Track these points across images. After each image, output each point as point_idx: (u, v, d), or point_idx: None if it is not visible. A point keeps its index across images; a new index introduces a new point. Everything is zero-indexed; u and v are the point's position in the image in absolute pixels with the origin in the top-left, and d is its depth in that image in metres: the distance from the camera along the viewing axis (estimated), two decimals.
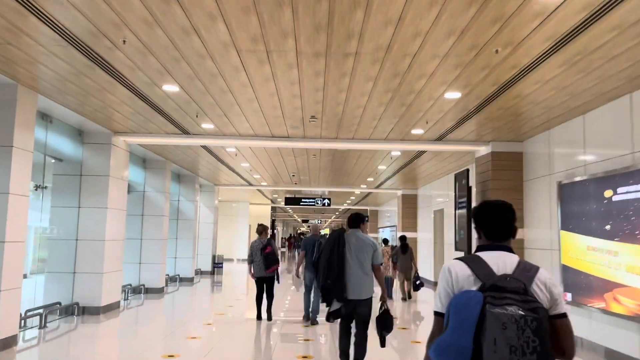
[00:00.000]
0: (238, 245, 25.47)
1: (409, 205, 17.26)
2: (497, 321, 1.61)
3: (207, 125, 8.13)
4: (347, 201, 24.85)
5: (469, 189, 8.78)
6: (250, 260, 7.83)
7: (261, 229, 7.92)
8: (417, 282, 10.43)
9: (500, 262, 1.85)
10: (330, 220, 54.32)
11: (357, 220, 4.97)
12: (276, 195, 22.59)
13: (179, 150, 10.76)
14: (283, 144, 8.97)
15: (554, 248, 7.15)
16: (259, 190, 19.61)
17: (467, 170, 9.11)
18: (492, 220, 1.93)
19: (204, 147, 10.26)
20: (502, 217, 1.93)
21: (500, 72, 5.17)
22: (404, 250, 10.83)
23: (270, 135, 8.75)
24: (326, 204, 20.90)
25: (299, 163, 12.35)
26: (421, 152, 10.35)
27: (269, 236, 8.02)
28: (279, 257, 8.01)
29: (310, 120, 7.52)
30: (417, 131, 8.15)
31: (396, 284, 13.20)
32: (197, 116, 7.42)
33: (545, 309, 1.73)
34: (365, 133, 8.37)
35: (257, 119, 7.49)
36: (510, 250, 1.91)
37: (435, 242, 14.71)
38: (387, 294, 5.01)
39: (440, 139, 8.66)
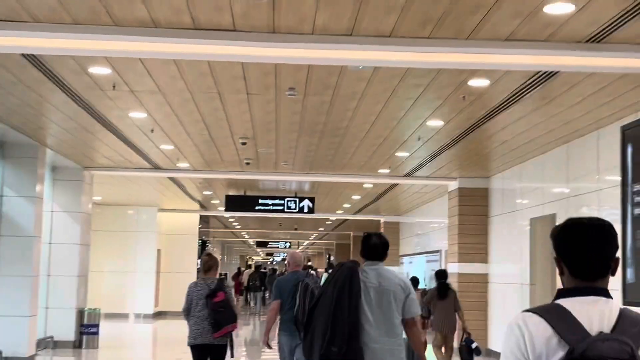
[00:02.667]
0: (136, 288, 24.00)
1: (473, 210, 15.51)
2: None
3: None
4: (346, 204, 22.52)
5: None
6: (188, 315, 8.01)
7: (210, 263, 8.24)
8: (474, 346, 10.72)
9: (595, 314, 2.08)
10: (304, 244, 52.93)
11: (382, 247, 5.36)
12: (209, 193, 20.04)
13: None
14: (221, 49, 6.79)
15: None
16: (172, 180, 16.98)
17: None
18: (583, 249, 2.17)
19: (33, 60, 7.62)
20: (599, 245, 2.18)
21: None
22: (443, 294, 11.18)
23: (191, 25, 6.38)
24: (306, 210, 18.51)
25: (257, 112, 9.93)
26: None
27: (217, 275, 8.41)
28: (236, 311, 8.19)
29: None
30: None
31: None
32: None
33: None
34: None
35: None
36: (607, 294, 2.17)
37: (533, 284, 12.92)
38: None
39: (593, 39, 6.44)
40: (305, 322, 5.60)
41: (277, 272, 36.65)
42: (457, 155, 12.69)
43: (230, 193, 19.21)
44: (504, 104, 9.02)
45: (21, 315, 12.23)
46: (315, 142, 11.87)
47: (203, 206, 24.57)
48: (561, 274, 2.22)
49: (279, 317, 8.02)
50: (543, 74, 7.76)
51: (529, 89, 8.31)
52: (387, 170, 14.70)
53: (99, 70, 7.96)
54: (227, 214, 26.53)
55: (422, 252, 21.75)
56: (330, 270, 7.32)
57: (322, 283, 6.96)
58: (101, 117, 10.25)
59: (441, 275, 11.46)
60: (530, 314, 2.11)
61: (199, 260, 26.37)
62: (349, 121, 10.23)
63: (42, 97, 9.28)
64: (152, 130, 10.98)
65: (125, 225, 23.88)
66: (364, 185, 17.70)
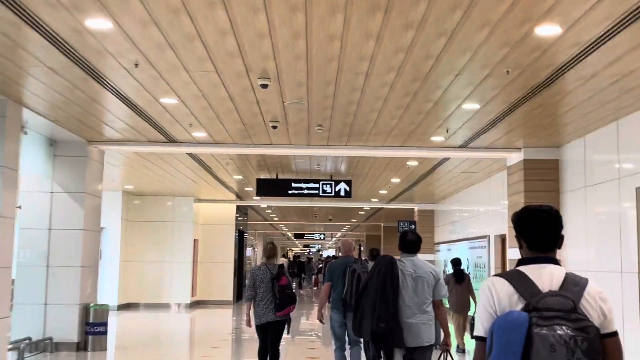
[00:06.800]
0: (174, 278, 20.05)
1: (542, 186, 10.88)
2: (545, 344, 2.13)
3: None
4: (382, 190, 17.83)
5: None
6: (252, 296, 7.76)
7: (274, 251, 8.05)
8: None
9: (546, 277, 2.34)
10: (337, 236, 48.42)
11: (416, 242, 5.48)
12: (240, 177, 15.60)
13: None
14: None
15: None
16: (193, 157, 12.59)
17: None
18: (536, 228, 2.42)
19: None
20: (548, 225, 2.42)
21: None
22: (459, 279, 11.01)
23: None
24: (342, 194, 14.12)
25: (277, 15, 5.45)
26: None
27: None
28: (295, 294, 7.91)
29: None
30: None
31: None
32: None
33: (597, 327, 2.22)
34: None
35: None
36: (556, 262, 2.41)
37: None
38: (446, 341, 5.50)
39: None
40: (354, 305, 5.76)
41: (313, 261, 33.70)
42: (538, 105, 8.11)
43: (262, 176, 14.84)
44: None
45: None
46: (359, 86, 7.38)
47: (239, 197, 20.26)
48: (520, 248, 2.44)
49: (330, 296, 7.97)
50: None
51: None
52: (441, 139, 10.21)
53: None
54: (264, 205, 22.16)
55: (464, 239, 17.13)
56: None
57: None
58: (50, 31, 5.94)
59: (457, 262, 11.30)
60: (497, 277, 2.37)
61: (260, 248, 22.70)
62: (416, 30, 5.77)
63: None
64: (136, 65, 6.60)
65: (162, 215, 19.99)
66: (408, 163, 13.16)
